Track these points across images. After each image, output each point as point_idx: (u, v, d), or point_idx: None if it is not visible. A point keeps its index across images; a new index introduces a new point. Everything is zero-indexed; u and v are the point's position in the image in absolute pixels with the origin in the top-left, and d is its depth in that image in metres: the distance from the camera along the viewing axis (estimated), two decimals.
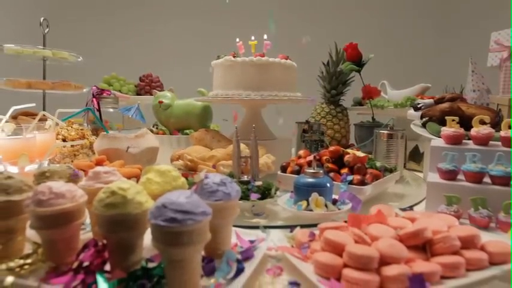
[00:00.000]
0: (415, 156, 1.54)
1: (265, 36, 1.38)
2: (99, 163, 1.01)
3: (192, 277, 0.51)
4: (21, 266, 0.58)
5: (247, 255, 0.62)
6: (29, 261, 0.59)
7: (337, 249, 0.59)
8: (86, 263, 0.55)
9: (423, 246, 0.63)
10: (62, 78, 1.64)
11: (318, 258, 0.58)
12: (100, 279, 0.50)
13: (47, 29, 1.64)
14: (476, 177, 0.89)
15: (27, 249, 0.63)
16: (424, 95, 1.68)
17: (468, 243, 0.63)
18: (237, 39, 1.38)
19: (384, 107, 1.66)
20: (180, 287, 0.50)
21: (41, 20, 1.63)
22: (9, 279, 0.53)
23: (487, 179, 0.90)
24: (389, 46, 3.01)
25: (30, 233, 0.64)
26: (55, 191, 0.57)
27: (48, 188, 0.57)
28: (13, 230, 0.62)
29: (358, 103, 1.86)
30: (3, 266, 0.57)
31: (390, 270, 0.54)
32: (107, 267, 0.56)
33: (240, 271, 0.56)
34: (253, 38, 1.35)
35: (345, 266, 0.56)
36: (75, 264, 0.55)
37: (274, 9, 3.25)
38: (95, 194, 0.58)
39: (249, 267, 0.59)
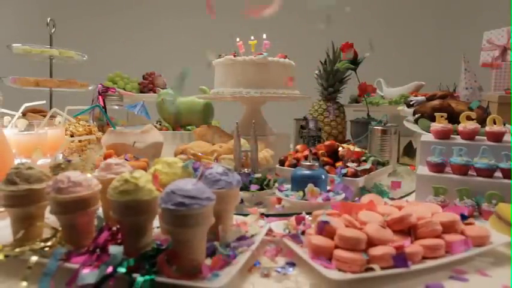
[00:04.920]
0: (409, 151, 1.60)
1: (264, 36, 1.43)
2: (107, 157, 1.07)
3: (198, 256, 0.57)
4: (42, 248, 0.64)
5: (245, 240, 0.68)
6: (49, 244, 0.65)
7: (329, 232, 0.65)
8: (101, 245, 0.61)
9: (408, 230, 0.69)
10: (68, 76, 1.69)
11: (311, 240, 0.64)
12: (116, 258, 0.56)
13: (54, 29, 1.69)
14: (462, 170, 0.95)
15: (46, 233, 0.69)
16: (418, 93, 1.74)
17: (449, 227, 0.69)
18: (237, 39, 1.44)
19: (379, 104, 1.71)
20: (186, 265, 0.56)
21: (48, 20, 1.68)
22: (34, 258, 0.58)
23: (472, 171, 0.96)
24: (384, 45, 3.06)
25: (48, 220, 0.71)
26: (73, 180, 0.63)
27: (66, 177, 0.63)
28: (34, 216, 0.68)
29: (354, 100, 1.92)
30: (27, 248, 0.63)
31: (376, 251, 0.60)
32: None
33: (231, 256, 0.61)
34: (252, 37, 1.41)
35: (336, 247, 0.62)
36: (92, 246, 0.61)
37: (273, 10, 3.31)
38: (107, 184, 0.64)
39: (249, 249, 0.64)
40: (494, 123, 1.01)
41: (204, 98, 1.59)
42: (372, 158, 1.11)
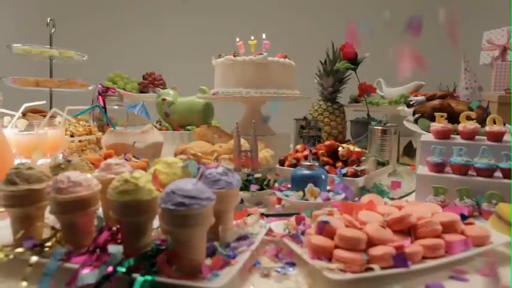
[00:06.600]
0: (409, 151, 1.60)
1: (264, 36, 1.43)
2: (107, 157, 1.07)
3: (198, 256, 0.57)
4: (42, 248, 0.64)
5: (245, 240, 0.68)
6: (48, 244, 0.65)
7: (329, 232, 0.65)
8: (101, 245, 0.61)
9: (408, 230, 0.69)
10: (68, 76, 1.69)
11: (311, 240, 0.64)
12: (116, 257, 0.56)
13: (54, 29, 1.69)
14: (462, 170, 0.95)
15: (46, 234, 0.69)
16: (418, 93, 1.74)
17: (449, 227, 0.69)
18: (237, 39, 1.43)
19: (379, 104, 1.71)
20: (186, 265, 0.56)
21: (48, 20, 1.68)
22: (34, 258, 0.58)
23: (472, 171, 0.96)
24: (384, 45, 3.06)
25: (48, 220, 0.71)
26: (73, 180, 0.63)
27: (66, 177, 0.63)
28: (33, 216, 0.68)
29: (354, 100, 1.92)
30: None
31: (376, 251, 0.60)
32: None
33: (231, 256, 0.62)
34: (252, 37, 1.41)
35: (336, 247, 0.62)
36: (92, 246, 0.61)
37: (273, 9, 3.31)
38: (107, 184, 0.64)
39: (249, 249, 0.64)
40: (494, 123, 1.01)
41: (204, 98, 1.59)
42: (372, 158, 1.11)
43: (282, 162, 1.17)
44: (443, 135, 1.06)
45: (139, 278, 0.52)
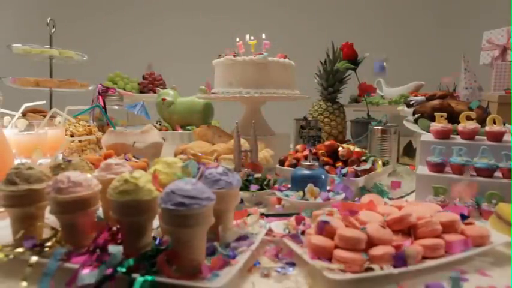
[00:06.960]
0: (409, 151, 1.60)
1: (263, 36, 1.43)
2: (107, 157, 1.07)
3: (198, 256, 0.57)
4: (42, 248, 0.64)
5: (245, 240, 0.68)
6: (48, 244, 0.65)
7: (329, 232, 0.65)
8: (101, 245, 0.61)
9: (408, 230, 0.69)
10: (68, 76, 1.69)
11: (311, 240, 0.64)
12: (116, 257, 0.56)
13: (54, 29, 1.69)
14: (462, 170, 0.95)
15: (46, 234, 0.69)
16: (418, 93, 1.74)
17: (449, 227, 0.69)
18: (237, 39, 1.43)
19: (379, 104, 1.71)
20: (186, 265, 0.56)
21: (48, 20, 1.69)
22: (34, 258, 0.59)
23: (472, 171, 0.96)
24: (384, 45, 3.06)
25: (48, 220, 0.71)
26: (73, 180, 0.63)
27: (66, 177, 0.63)
28: (33, 216, 0.68)
29: (354, 100, 1.92)
30: None
31: (376, 250, 0.60)
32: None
33: (231, 256, 0.62)
34: (252, 37, 1.41)
35: (336, 247, 0.62)
36: (92, 246, 0.61)
37: (273, 9, 3.31)
38: (107, 184, 0.64)
39: (249, 249, 0.64)
40: (494, 123, 1.01)
41: (204, 98, 1.59)
42: (371, 158, 1.11)
43: (282, 162, 1.17)
44: (443, 135, 1.06)
45: (139, 278, 0.52)
